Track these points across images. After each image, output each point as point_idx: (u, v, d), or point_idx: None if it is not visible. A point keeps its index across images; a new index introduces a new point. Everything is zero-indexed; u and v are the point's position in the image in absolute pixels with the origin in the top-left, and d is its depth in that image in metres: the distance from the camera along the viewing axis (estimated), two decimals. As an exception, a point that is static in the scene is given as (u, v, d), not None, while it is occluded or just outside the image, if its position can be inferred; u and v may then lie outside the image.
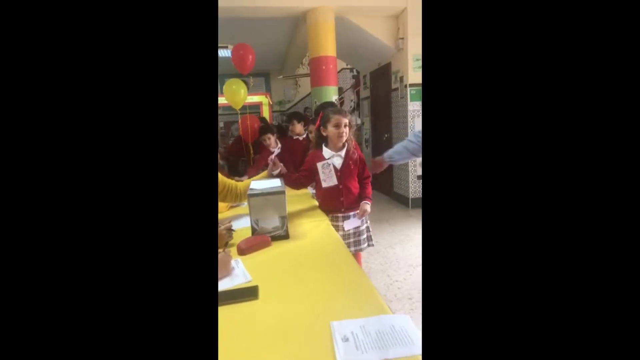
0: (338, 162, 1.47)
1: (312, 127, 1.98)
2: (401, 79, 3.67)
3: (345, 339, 0.60)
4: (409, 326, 0.63)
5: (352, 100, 6.63)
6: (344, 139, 1.46)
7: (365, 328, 0.63)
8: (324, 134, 1.48)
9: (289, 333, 0.64)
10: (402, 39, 3.56)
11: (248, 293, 0.79)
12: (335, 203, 1.50)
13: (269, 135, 2.59)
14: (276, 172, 1.51)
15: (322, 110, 2.01)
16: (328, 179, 1.47)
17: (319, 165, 1.47)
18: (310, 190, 1.90)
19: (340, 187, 1.48)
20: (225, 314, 0.69)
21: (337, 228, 1.49)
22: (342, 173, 1.48)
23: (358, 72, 5.67)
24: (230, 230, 1.16)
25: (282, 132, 3.18)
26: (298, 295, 0.78)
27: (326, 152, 1.48)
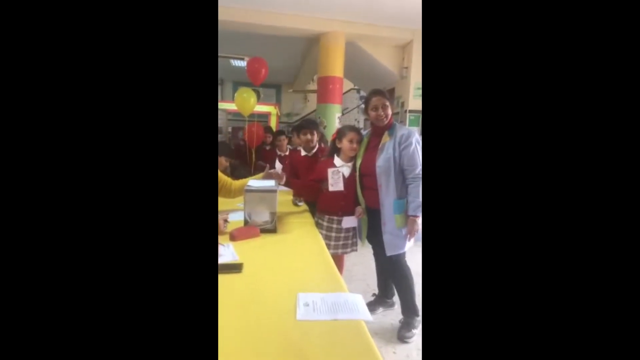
0: (347, 171, 1.66)
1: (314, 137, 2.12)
2: (402, 104, 3.89)
3: (306, 305, 0.76)
4: (360, 301, 0.78)
5: (356, 120, 6.87)
6: (355, 152, 1.65)
7: (324, 299, 0.79)
8: (339, 146, 1.67)
9: (262, 298, 0.80)
10: (406, 68, 3.80)
11: (234, 268, 0.95)
12: (336, 206, 1.67)
13: (283, 137, 2.80)
14: (281, 182, 1.68)
15: (312, 125, 2.14)
16: (335, 185, 1.64)
17: (330, 171, 1.65)
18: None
19: (344, 192, 1.65)
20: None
21: (331, 228, 1.67)
22: (348, 181, 1.66)
23: (365, 94, 5.92)
24: (226, 221, 1.33)
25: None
26: (275, 274, 0.94)
27: (337, 161, 1.67)
